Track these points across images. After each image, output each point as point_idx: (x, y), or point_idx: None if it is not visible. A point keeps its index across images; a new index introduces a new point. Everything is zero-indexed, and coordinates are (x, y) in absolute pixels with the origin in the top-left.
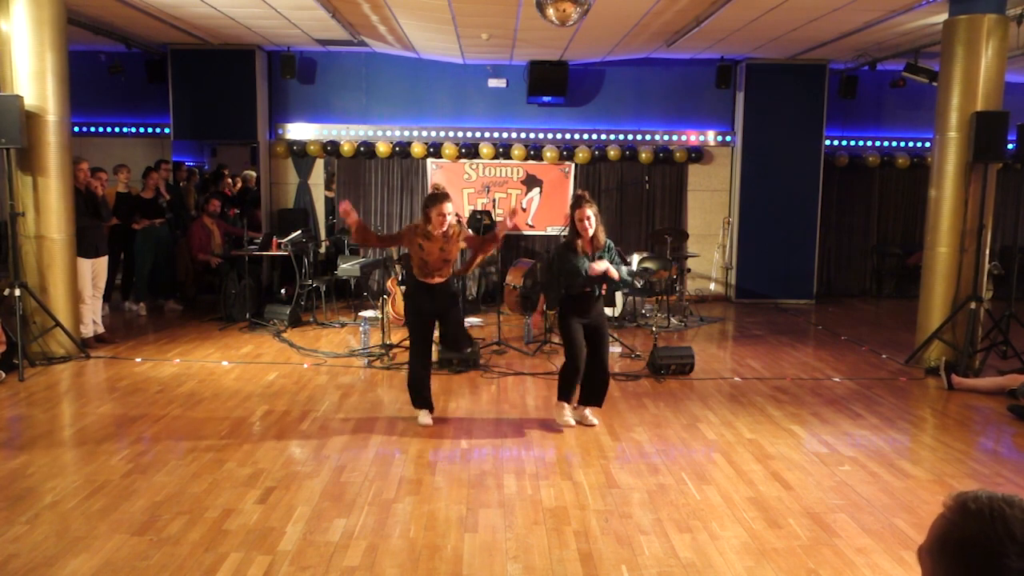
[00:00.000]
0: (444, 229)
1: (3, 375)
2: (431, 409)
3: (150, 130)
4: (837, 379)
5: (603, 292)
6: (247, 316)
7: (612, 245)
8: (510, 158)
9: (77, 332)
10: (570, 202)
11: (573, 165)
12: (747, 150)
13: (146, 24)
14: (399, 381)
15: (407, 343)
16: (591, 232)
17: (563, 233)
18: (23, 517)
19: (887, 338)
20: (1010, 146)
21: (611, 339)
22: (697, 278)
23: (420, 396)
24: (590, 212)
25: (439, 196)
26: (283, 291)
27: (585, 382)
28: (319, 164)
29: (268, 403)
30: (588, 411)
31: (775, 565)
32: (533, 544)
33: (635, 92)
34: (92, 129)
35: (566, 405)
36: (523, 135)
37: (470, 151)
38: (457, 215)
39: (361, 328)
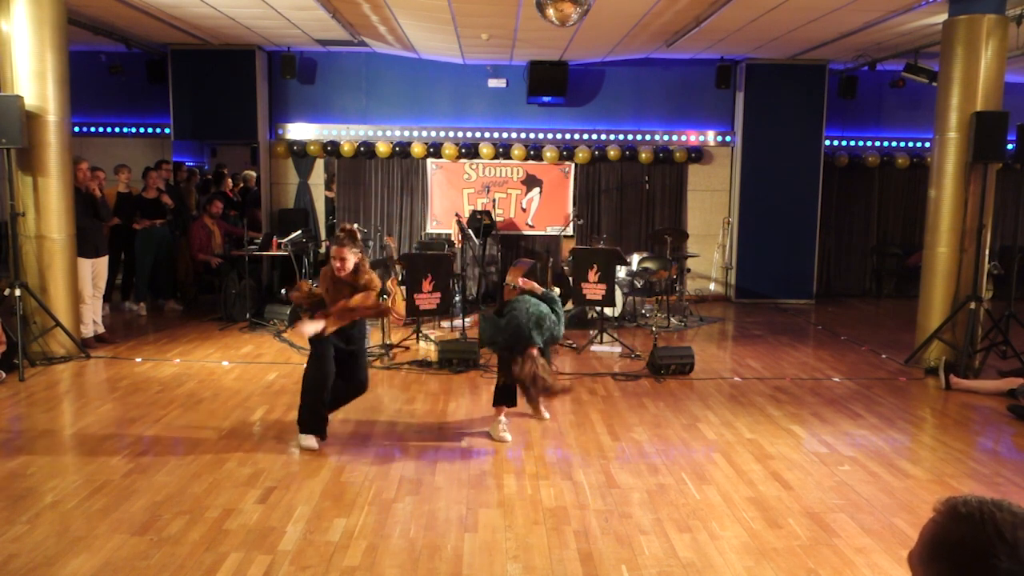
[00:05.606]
0: (345, 276)
1: (3, 375)
2: (322, 436)
3: (150, 130)
4: (837, 379)
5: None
6: (247, 316)
7: (551, 298)
8: (510, 158)
9: (77, 332)
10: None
11: (573, 165)
12: (747, 150)
13: (146, 24)
14: (399, 381)
15: (407, 343)
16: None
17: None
18: (23, 517)
19: (887, 338)
20: (1010, 146)
21: (611, 339)
22: (697, 278)
23: (312, 417)
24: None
25: (336, 238)
26: (283, 291)
27: None
28: (319, 164)
29: (268, 403)
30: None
31: (775, 565)
32: (533, 544)
33: (635, 92)
34: (92, 129)
35: (502, 415)
36: (523, 135)
37: (470, 151)
38: (457, 215)
39: None
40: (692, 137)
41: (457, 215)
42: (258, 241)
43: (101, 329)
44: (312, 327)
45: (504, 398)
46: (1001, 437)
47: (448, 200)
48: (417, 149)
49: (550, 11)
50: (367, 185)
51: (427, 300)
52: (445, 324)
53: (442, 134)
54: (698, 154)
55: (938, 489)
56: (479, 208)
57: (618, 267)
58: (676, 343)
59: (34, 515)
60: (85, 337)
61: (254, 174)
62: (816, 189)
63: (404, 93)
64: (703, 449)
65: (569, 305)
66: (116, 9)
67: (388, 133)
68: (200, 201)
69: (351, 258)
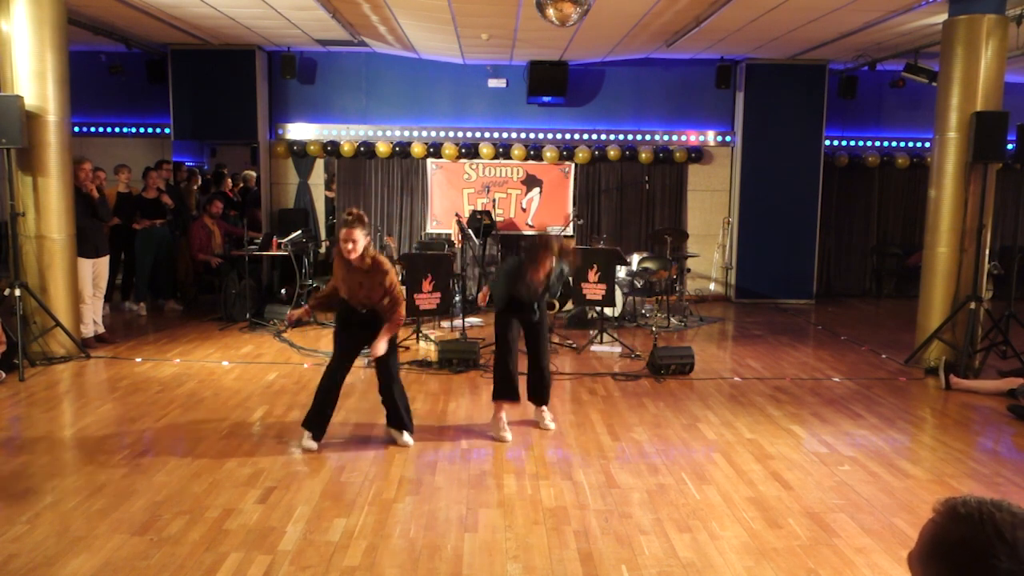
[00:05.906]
0: (354, 259)
1: (3, 375)
2: (320, 435)
3: (150, 130)
4: (837, 379)
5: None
6: (247, 316)
7: (562, 271)
8: (510, 158)
9: (77, 332)
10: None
11: (573, 165)
12: (747, 150)
13: (146, 24)
14: None
15: (406, 343)
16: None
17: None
18: (23, 517)
19: (887, 338)
20: (1010, 146)
21: (611, 339)
22: (697, 278)
23: (316, 416)
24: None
25: (344, 220)
26: (283, 291)
27: (528, 380)
28: (319, 164)
29: (268, 403)
30: (545, 412)
31: (775, 565)
32: (533, 544)
33: (635, 92)
34: (92, 129)
35: (503, 412)
36: (523, 135)
37: (470, 151)
38: (457, 215)
39: None
40: (692, 137)
41: (457, 215)
42: (258, 241)
43: (101, 329)
44: (383, 345)
45: (505, 392)
46: (1001, 437)
47: (448, 200)
48: (417, 149)
49: (550, 11)
50: (367, 185)
51: (427, 300)
52: (445, 324)
53: (442, 134)
54: (698, 154)
55: (938, 489)
56: (479, 208)
57: (618, 267)
58: (676, 343)
59: (34, 515)
60: (85, 337)
61: (254, 174)
62: (816, 189)
63: (404, 93)
64: (703, 449)
65: (569, 305)
66: (116, 9)
67: (388, 133)
68: (200, 201)
69: (361, 240)
